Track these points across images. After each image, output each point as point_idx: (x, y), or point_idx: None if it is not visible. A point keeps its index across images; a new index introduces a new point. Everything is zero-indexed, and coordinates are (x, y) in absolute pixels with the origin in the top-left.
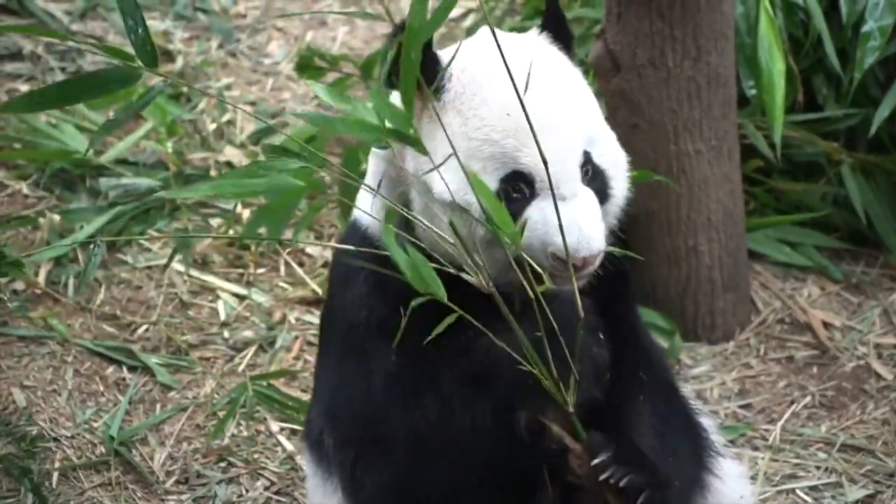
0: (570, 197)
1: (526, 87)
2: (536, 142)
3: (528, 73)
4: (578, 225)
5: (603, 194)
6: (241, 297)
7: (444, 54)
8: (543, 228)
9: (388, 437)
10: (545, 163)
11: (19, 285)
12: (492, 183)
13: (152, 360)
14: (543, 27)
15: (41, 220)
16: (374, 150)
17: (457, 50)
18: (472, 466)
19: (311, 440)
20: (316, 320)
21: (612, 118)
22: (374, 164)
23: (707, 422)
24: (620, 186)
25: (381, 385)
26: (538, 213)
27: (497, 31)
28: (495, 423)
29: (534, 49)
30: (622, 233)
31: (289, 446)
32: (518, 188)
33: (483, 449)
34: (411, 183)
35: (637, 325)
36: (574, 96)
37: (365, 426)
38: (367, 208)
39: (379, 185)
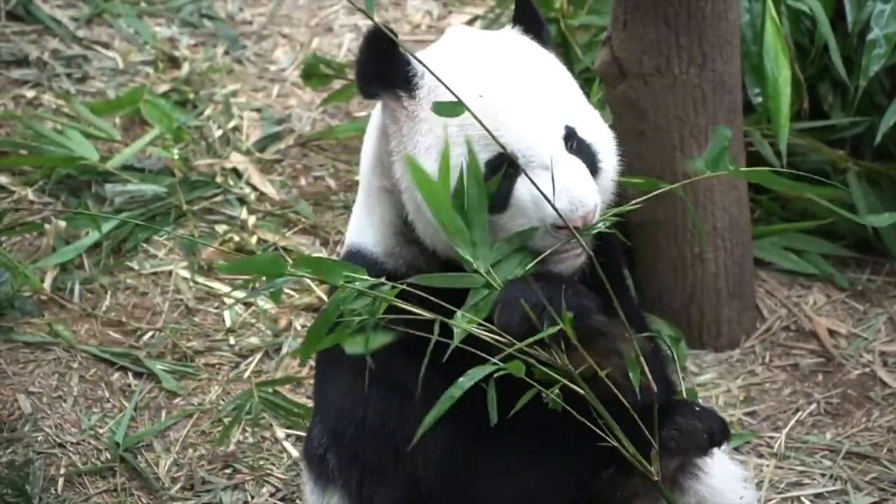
0: (555, 164)
1: (497, 73)
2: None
3: (500, 57)
4: (566, 187)
5: (592, 167)
6: (246, 304)
7: (413, 54)
8: (534, 203)
9: (401, 456)
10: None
11: (25, 291)
12: (478, 168)
13: (158, 367)
14: (515, 21)
15: (47, 226)
16: (364, 165)
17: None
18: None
19: (310, 455)
20: None
21: (618, 125)
22: (367, 181)
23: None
24: (609, 161)
25: (399, 405)
26: (525, 190)
27: (467, 28)
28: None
29: (505, 39)
30: (627, 240)
31: (294, 453)
32: (504, 168)
33: (517, 474)
34: (404, 190)
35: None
36: (547, 75)
37: (373, 445)
38: (364, 233)
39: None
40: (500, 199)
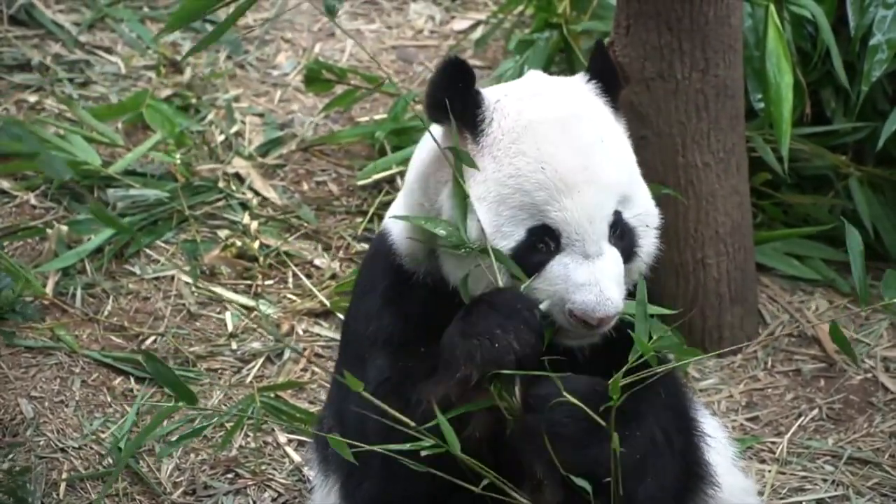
0: (595, 256)
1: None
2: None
3: (568, 125)
4: (599, 285)
5: (630, 253)
6: (248, 309)
7: (488, 93)
8: (563, 285)
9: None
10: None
11: (27, 296)
12: (519, 232)
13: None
14: (591, 74)
15: (49, 230)
16: (412, 175)
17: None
18: (424, 472)
19: (319, 438)
20: (323, 332)
21: None
22: (410, 188)
23: (719, 434)
24: (649, 244)
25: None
26: (560, 269)
27: (543, 75)
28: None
29: (577, 100)
30: None
31: (296, 458)
32: (544, 241)
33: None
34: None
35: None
36: (612, 154)
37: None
38: (396, 223)
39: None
40: (530, 267)
